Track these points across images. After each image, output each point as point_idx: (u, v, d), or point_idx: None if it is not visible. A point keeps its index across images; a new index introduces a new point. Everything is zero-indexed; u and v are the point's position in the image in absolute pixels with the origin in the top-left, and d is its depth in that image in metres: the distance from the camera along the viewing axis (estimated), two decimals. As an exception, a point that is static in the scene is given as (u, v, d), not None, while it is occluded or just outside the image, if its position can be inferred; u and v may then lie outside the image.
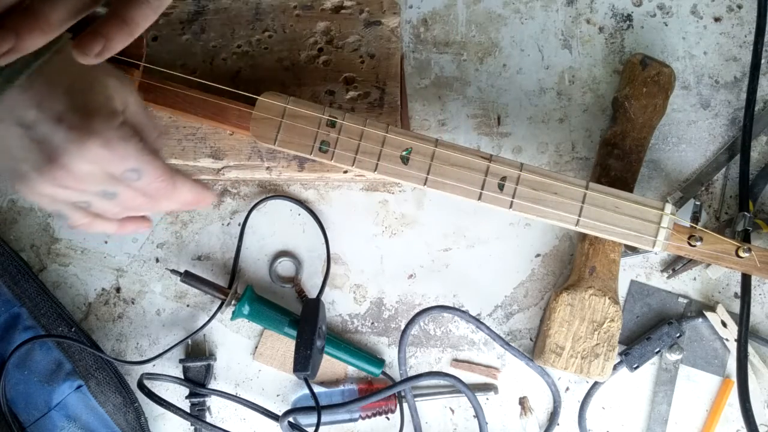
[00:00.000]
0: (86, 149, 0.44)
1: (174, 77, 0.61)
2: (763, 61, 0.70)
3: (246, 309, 0.66)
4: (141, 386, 0.63)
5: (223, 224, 0.70)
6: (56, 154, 0.44)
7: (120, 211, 0.50)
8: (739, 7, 0.73)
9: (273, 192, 0.70)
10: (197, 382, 0.67)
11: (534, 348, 0.68)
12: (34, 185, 0.46)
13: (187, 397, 0.67)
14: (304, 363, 0.62)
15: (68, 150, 0.44)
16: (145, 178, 0.47)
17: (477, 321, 0.67)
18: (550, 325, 0.64)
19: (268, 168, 0.65)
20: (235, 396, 0.67)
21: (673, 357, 0.67)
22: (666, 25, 0.73)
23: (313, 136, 0.59)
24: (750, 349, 0.65)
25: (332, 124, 0.59)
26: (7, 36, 0.39)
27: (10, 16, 0.40)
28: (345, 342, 0.68)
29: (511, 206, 0.58)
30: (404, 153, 0.58)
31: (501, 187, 0.58)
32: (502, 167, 0.58)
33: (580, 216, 0.58)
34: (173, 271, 0.67)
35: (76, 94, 0.44)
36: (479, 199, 0.58)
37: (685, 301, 0.69)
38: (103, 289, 0.69)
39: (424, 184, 0.58)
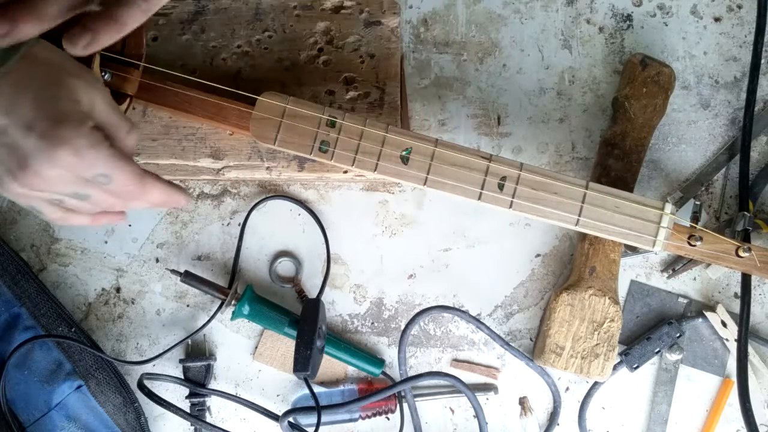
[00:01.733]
0: (56, 157, 0.45)
1: (174, 77, 0.61)
2: (763, 61, 0.70)
3: (246, 309, 0.66)
4: (141, 386, 0.63)
5: (223, 224, 0.70)
6: (27, 160, 0.45)
7: (92, 209, 0.51)
8: (739, 7, 0.73)
9: (273, 192, 0.70)
10: (197, 382, 0.67)
11: (534, 348, 0.68)
12: (8, 187, 0.47)
13: (187, 397, 0.67)
14: (304, 363, 0.62)
15: (39, 157, 0.45)
16: (115, 182, 0.48)
17: (477, 321, 0.67)
18: (550, 325, 0.64)
19: (268, 168, 0.65)
20: (235, 396, 0.67)
21: (673, 357, 0.67)
22: (666, 25, 0.73)
23: (313, 136, 0.59)
24: (750, 349, 0.65)
25: (332, 124, 0.59)
26: (3, 21, 0.42)
27: (9, 4, 0.42)
28: (345, 342, 0.68)
29: (511, 206, 0.58)
30: (404, 153, 0.58)
31: (501, 187, 0.58)
32: (501, 167, 0.58)
33: (580, 216, 0.58)
34: (173, 271, 0.67)
35: (44, 100, 0.45)
36: (479, 199, 0.58)
37: (685, 301, 0.69)
38: (103, 289, 0.69)
39: (424, 184, 0.58)
